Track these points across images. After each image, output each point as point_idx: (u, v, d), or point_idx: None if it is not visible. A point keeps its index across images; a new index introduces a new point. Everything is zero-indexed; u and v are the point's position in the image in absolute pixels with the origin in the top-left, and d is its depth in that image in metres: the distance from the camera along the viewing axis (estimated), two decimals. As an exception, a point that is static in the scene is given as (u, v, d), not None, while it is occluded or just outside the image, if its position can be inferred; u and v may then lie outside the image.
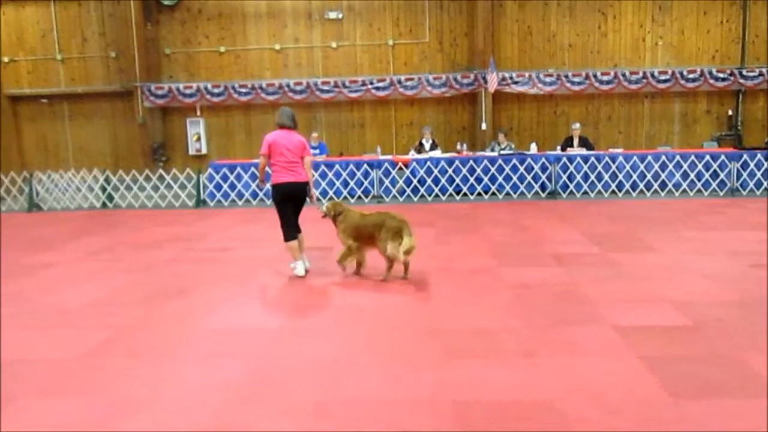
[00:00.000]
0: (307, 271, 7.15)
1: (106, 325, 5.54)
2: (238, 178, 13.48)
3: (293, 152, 7.13)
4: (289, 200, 7.14)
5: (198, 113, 16.56)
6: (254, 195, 13.32)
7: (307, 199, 7.21)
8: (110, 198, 13.89)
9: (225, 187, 13.41)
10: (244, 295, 6.43)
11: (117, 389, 4.29)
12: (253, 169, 13.32)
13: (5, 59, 16.65)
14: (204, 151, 16.64)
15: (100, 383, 4.37)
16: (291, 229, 7.17)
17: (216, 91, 16.11)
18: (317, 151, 14.41)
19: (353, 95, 15.80)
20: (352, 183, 13.19)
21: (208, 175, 13.64)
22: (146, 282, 7.10)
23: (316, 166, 13.12)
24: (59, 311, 6.02)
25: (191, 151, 16.65)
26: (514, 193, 13.00)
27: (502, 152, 13.40)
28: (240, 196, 13.41)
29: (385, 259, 6.68)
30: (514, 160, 13.02)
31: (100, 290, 6.78)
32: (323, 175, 13.23)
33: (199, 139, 16.48)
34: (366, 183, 13.20)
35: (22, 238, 10.37)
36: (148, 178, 14.42)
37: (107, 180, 13.96)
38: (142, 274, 7.46)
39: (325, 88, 15.79)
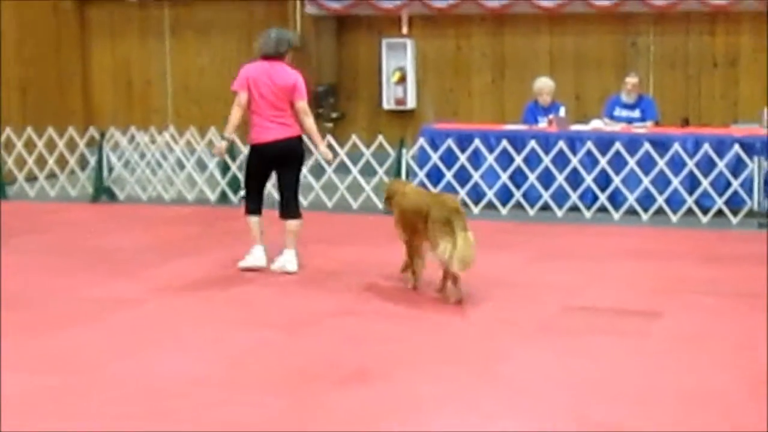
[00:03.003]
0: (289, 271, 9.82)
1: (226, 424, 5.96)
2: (476, 158, 13.83)
3: (277, 95, 9.64)
4: (271, 167, 9.91)
5: (404, 30, 17.14)
6: (505, 194, 13.52)
7: (320, 159, 10.55)
8: (235, 184, 14.81)
9: (448, 175, 13.79)
10: (485, 391, 6.57)
11: None
12: (475, 141, 13.54)
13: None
14: (411, 103, 17.25)
15: None
16: (255, 200, 9.94)
17: (441, -12, 16.59)
18: (635, 113, 14.26)
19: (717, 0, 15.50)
20: (705, 183, 12.95)
21: (419, 149, 14.09)
22: (294, 348, 7.51)
23: (633, 143, 13.21)
24: (142, 390, 6.55)
25: (388, 103, 17.33)
26: None
27: None
28: (477, 194, 13.79)
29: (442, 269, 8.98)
30: None
31: (211, 357, 7.28)
32: (646, 163, 13.14)
33: (403, 79, 17.06)
34: (742, 193, 12.93)
35: (80, 249, 11.45)
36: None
37: (231, 151, 14.90)
38: (285, 334, 7.90)
39: (661, -15, 15.66)
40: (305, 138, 10.05)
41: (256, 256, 9.92)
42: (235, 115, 9.64)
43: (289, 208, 9.91)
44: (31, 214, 13.97)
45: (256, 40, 10.14)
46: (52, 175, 15.68)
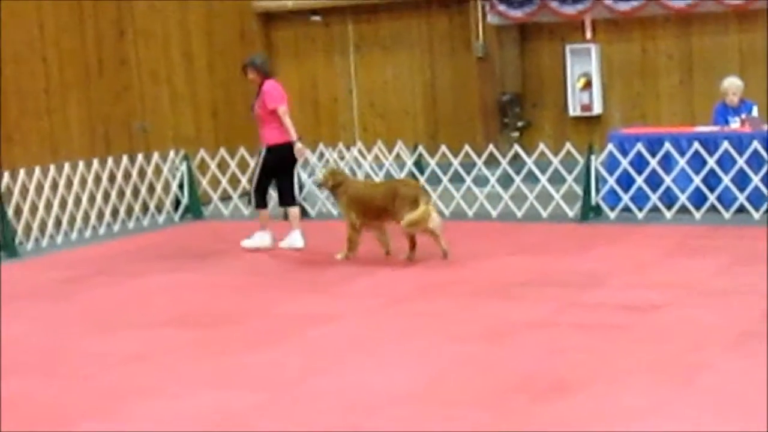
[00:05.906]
0: (298, 248, 12.17)
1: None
2: (667, 161, 13.63)
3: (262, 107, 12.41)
4: (276, 166, 12.38)
5: (588, 35, 17.03)
6: (699, 198, 13.29)
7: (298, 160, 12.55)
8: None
9: (639, 180, 13.61)
10: (688, 402, 6.53)
11: None
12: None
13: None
14: (598, 109, 17.12)
15: None
16: (263, 196, 12.59)
17: (625, -11, 16.42)
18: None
19: None
20: None
21: (607, 156, 14.00)
22: (493, 361, 7.59)
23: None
24: (342, 406, 6.72)
25: (574, 110, 17.21)
26: None
27: None
28: (669, 198, 13.59)
29: (405, 236, 11.29)
30: None
31: (411, 371, 7.39)
32: None
33: (589, 85, 16.95)
34: None
35: (273, 267, 11.78)
36: (491, 161, 15.20)
37: (419, 163, 15.06)
38: (484, 347, 7.98)
39: None
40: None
41: (259, 239, 12.52)
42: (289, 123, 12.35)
43: (291, 198, 12.55)
44: (225, 233, 14.33)
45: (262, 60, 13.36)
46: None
